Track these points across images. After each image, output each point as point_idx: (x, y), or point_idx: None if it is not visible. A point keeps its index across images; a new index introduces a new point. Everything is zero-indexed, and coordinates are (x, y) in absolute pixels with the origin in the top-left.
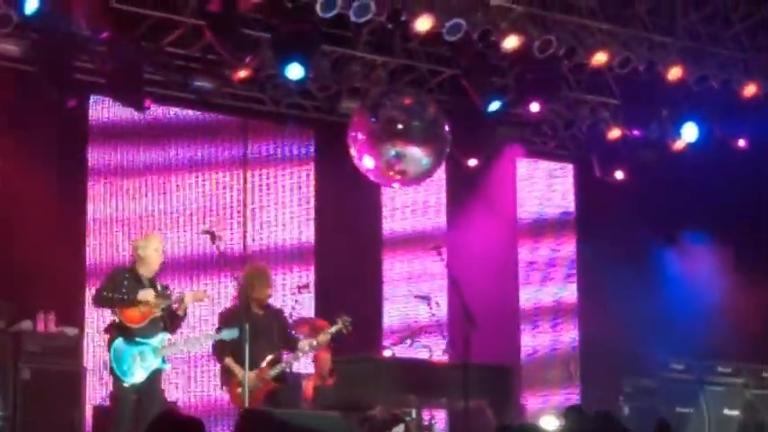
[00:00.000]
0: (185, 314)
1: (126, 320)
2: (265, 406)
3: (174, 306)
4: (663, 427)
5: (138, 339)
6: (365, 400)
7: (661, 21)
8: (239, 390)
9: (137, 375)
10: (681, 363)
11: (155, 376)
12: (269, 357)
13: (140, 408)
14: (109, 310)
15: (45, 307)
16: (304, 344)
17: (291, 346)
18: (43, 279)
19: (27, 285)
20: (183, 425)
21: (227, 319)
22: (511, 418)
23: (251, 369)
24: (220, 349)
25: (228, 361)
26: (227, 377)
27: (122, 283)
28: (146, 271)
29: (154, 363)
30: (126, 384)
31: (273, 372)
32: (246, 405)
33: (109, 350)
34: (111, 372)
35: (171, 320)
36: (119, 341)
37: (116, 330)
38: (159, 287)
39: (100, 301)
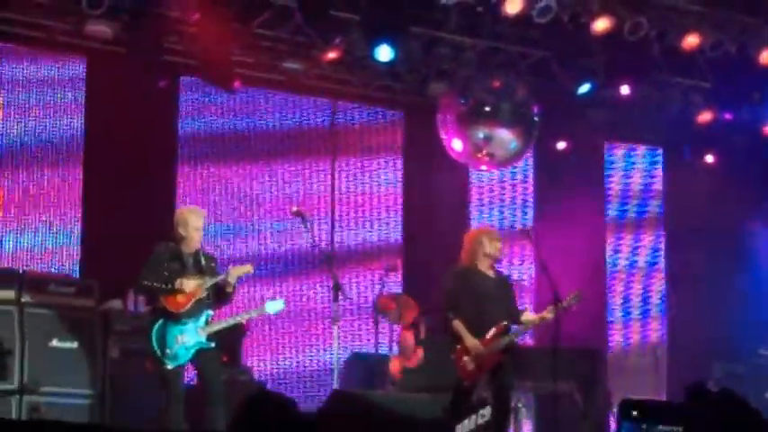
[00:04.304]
0: (234, 290)
1: (170, 307)
2: (488, 378)
3: (220, 280)
4: None
5: (182, 320)
6: (451, 382)
7: (753, 3)
8: (466, 358)
9: (180, 357)
10: None
11: (201, 354)
12: (500, 324)
13: (204, 385)
14: None
15: None
16: (528, 316)
17: (516, 318)
18: (132, 258)
19: (116, 264)
20: (276, 404)
21: (455, 276)
22: (599, 402)
23: (479, 336)
24: (451, 305)
25: (457, 324)
26: (454, 343)
27: (163, 266)
28: (187, 248)
29: (196, 341)
30: (170, 367)
31: (504, 342)
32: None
33: (150, 333)
34: (154, 355)
35: (217, 296)
36: (160, 324)
37: (159, 314)
38: (203, 260)
39: (141, 290)
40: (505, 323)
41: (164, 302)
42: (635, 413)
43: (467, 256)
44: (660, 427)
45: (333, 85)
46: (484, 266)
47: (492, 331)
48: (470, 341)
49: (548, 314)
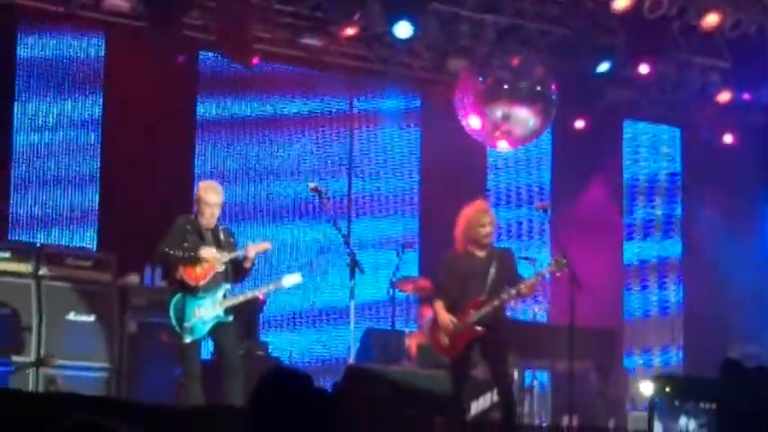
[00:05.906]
0: (253, 265)
1: (188, 278)
2: (465, 353)
3: (240, 256)
4: None
5: (199, 294)
6: None
7: None
8: (440, 334)
9: (197, 331)
10: None
11: (218, 328)
12: (476, 299)
13: (221, 358)
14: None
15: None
16: (519, 286)
17: (514, 286)
18: (150, 232)
19: (134, 239)
20: (291, 379)
21: (442, 264)
22: (614, 382)
23: (456, 314)
24: (436, 291)
25: (437, 305)
26: (433, 322)
27: (184, 237)
28: (206, 222)
29: (214, 315)
30: (187, 340)
31: (476, 316)
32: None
33: (168, 306)
34: (171, 329)
35: (235, 271)
36: (178, 297)
37: (177, 286)
38: (222, 234)
39: (161, 257)
40: (483, 298)
41: (182, 274)
42: (668, 389)
43: (457, 241)
44: (693, 403)
45: (351, 62)
46: (473, 248)
47: (468, 307)
48: (442, 317)
49: (545, 272)
